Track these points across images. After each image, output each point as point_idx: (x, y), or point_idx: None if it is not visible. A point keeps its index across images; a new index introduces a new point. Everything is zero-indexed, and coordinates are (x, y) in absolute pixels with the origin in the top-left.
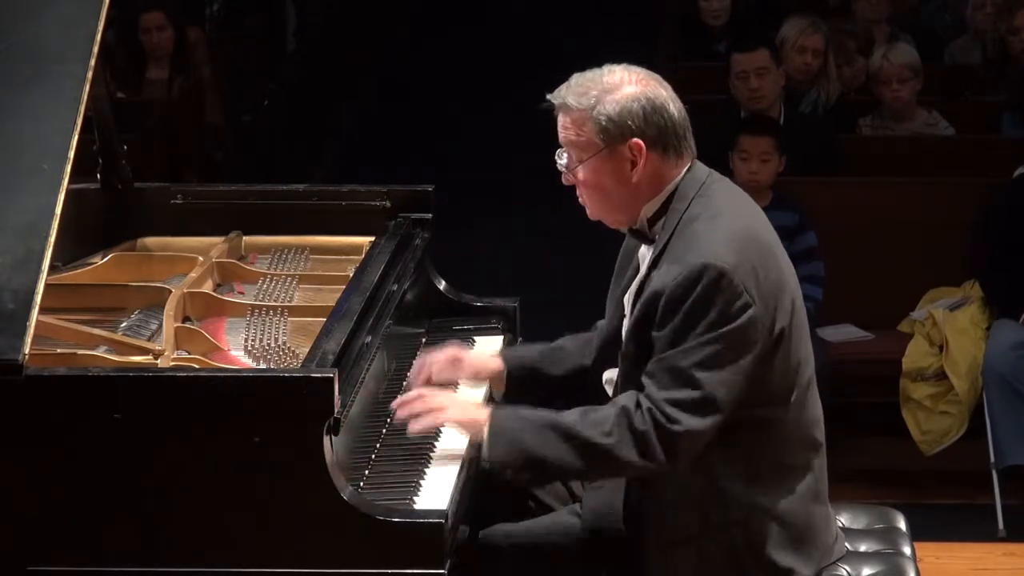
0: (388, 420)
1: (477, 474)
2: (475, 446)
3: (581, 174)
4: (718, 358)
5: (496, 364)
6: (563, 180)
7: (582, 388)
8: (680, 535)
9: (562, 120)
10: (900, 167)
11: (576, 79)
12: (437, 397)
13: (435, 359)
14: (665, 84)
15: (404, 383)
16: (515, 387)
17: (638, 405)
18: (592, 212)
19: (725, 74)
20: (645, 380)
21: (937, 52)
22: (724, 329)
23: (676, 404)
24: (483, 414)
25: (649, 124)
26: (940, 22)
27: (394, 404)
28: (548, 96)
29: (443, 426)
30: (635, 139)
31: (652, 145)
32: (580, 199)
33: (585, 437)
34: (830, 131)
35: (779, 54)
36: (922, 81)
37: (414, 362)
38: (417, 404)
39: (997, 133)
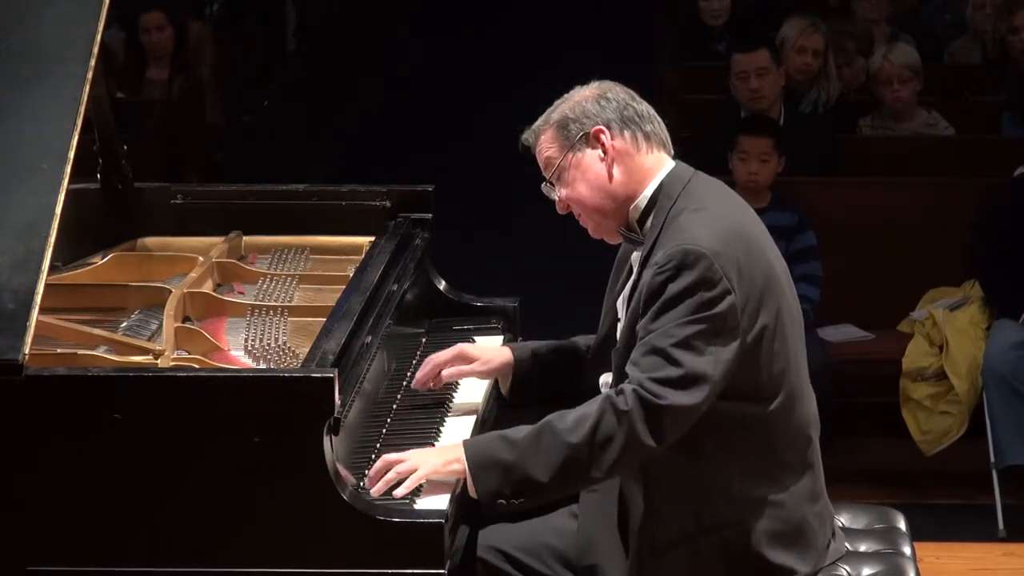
0: (388, 420)
1: None
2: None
3: (566, 190)
4: (698, 339)
5: (505, 355)
6: (559, 210)
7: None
8: (674, 536)
9: (536, 149)
10: (900, 167)
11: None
12: (406, 461)
13: (441, 357)
14: (627, 88)
15: (404, 382)
16: (522, 380)
17: (620, 391)
18: (592, 228)
19: (725, 74)
20: (629, 368)
21: (937, 52)
22: (704, 313)
23: (659, 381)
24: (457, 451)
25: (607, 110)
26: (940, 22)
27: (367, 483)
28: (522, 138)
29: (423, 482)
30: (597, 127)
31: (615, 129)
32: (580, 221)
33: (568, 437)
34: (830, 131)
35: (779, 54)
36: (922, 81)
37: (422, 364)
38: (390, 475)
39: (997, 133)
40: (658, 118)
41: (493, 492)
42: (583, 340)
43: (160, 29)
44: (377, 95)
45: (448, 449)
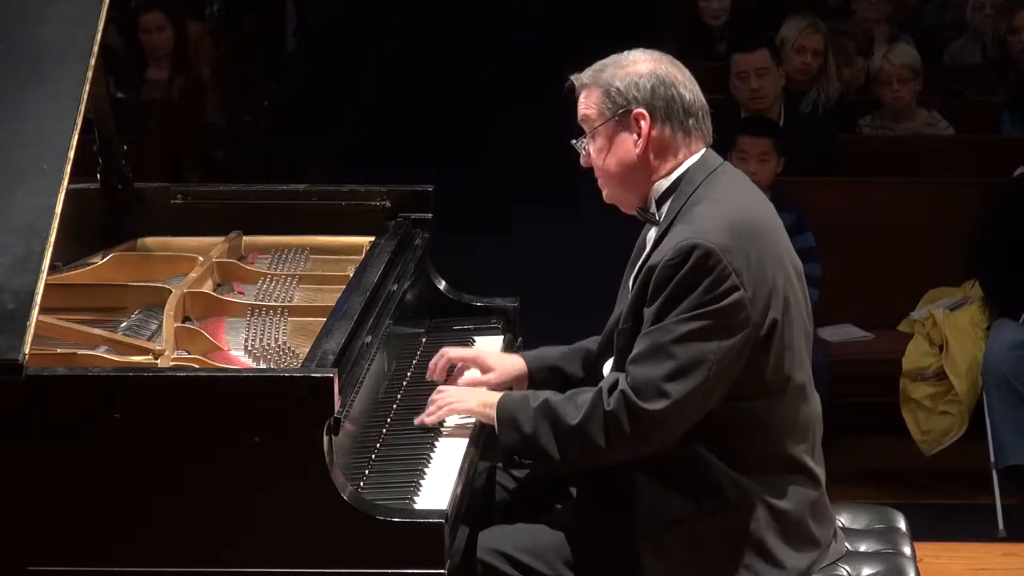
0: (388, 420)
1: (477, 474)
2: (475, 444)
3: (592, 148)
4: (698, 335)
5: (519, 367)
6: (582, 162)
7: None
8: (673, 517)
9: (579, 98)
10: (900, 167)
11: (597, 63)
12: (452, 393)
13: (457, 353)
14: (683, 69)
15: (404, 382)
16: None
17: (614, 386)
18: (607, 193)
19: (725, 74)
20: (629, 362)
21: (937, 52)
22: (708, 308)
23: (651, 381)
24: (495, 400)
25: (656, 97)
26: (940, 22)
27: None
28: (571, 77)
29: (460, 415)
30: (639, 109)
31: (658, 119)
32: (599, 183)
33: (565, 420)
34: (830, 131)
35: (779, 54)
36: (922, 81)
37: (437, 355)
38: (438, 403)
39: (997, 133)
40: (704, 107)
41: (511, 448)
42: (593, 342)
43: (160, 29)
44: (377, 95)
45: (490, 394)
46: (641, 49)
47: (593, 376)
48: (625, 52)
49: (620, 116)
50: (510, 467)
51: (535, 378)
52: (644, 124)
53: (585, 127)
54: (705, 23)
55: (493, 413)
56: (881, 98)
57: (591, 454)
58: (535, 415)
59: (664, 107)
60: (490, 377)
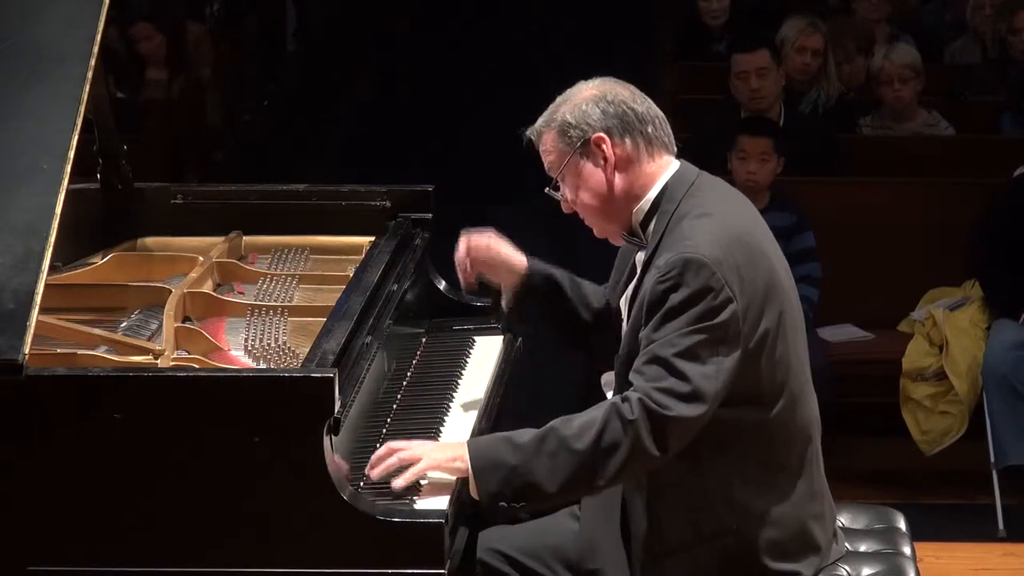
0: (388, 420)
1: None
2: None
3: (568, 191)
4: (700, 349)
5: (520, 264)
6: (564, 209)
7: (584, 328)
8: (674, 544)
9: (540, 148)
10: (900, 167)
11: (548, 108)
12: (409, 449)
13: (478, 243)
14: (628, 86)
15: (404, 382)
16: (525, 296)
17: (625, 399)
18: (597, 231)
19: (725, 74)
20: (632, 376)
21: (937, 52)
22: (706, 323)
23: (664, 391)
24: (461, 449)
25: (607, 116)
26: (940, 22)
27: (368, 469)
28: (526, 132)
29: (425, 476)
30: (597, 134)
31: (616, 136)
32: (585, 222)
33: (573, 443)
34: (830, 131)
35: (779, 54)
36: (923, 81)
37: (459, 242)
38: (392, 460)
39: (997, 133)
40: (660, 116)
41: (495, 494)
42: (589, 285)
43: (149, 39)
44: (377, 95)
45: (452, 446)
46: (583, 81)
47: (586, 323)
48: (569, 89)
49: (580, 148)
50: (495, 522)
51: (530, 285)
52: (606, 147)
53: (554, 174)
54: (705, 23)
55: (464, 463)
56: (881, 98)
57: (611, 470)
58: (525, 447)
59: (618, 122)
60: (505, 255)
